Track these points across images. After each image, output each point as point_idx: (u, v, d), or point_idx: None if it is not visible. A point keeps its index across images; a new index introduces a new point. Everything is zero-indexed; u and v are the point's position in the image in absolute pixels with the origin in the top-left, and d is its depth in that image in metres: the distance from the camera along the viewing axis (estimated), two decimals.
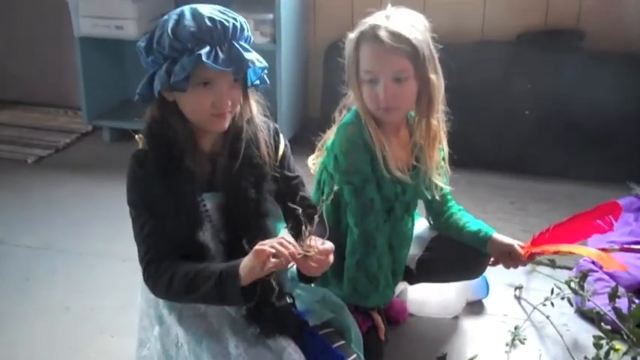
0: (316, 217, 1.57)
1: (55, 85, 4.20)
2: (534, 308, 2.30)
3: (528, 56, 3.30)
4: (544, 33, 3.42)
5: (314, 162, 2.12)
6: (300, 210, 1.59)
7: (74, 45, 3.62)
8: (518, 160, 3.32)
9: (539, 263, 2.48)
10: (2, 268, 2.59)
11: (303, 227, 1.56)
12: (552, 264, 2.43)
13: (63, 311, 2.33)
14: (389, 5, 1.97)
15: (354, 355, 1.75)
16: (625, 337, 2.03)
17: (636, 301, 2.10)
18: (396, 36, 1.87)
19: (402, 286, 2.26)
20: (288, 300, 1.79)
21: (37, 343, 2.18)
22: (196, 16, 1.56)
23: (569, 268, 2.49)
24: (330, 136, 2.06)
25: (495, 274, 2.33)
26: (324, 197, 1.71)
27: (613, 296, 2.10)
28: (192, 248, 1.63)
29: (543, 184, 3.20)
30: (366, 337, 1.87)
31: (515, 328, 2.20)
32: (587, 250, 2.01)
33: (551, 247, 2.00)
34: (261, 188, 1.70)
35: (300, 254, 1.54)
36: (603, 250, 2.01)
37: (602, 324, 2.08)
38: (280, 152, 1.79)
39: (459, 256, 2.13)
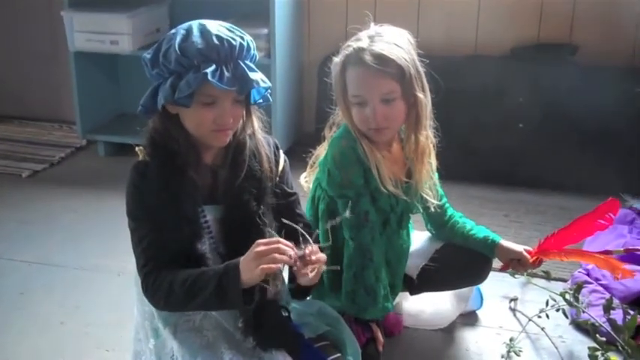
0: (314, 234, 1.59)
1: (50, 100, 4.20)
2: (529, 320, 2.30)
3: (522, 70, 3.32)
4: (537, 47, 3.44)
5: (306, 179, 2.13)
6: (300, 226, 1.59)
7: (69, 60, 3.63)
8: (511, 173, 3.33)
9: (534, 275, 2.49)
10: None
11: (301, 238, 1.57)
12: (547, 276, 2.45)
13: (58, 325, 2.32)
14: (372, 24, 1.98)
15: None
16: (620, 348, 2.03)
17: (631, 312, 2.10)
18: (381, 59, 1.88)
19: (397, 298, 2.27)
20: (284, 313, 1.80)
21: (32, 358, 2.17)
22: (204, 32, 1.57)
23: (564, 280, 2.50)
24: (321, 152, 2.07)
25: (490, 286, 2.34)
26: (334, 221, 1.70)
27: (608, 308, 2.11)
28: (191, 260, 1.63)
29: (537, 197, 3.21)
30: (364, 349, 1.88)
31: (511, 340, 2.20)
32: (594, 258, 2.03)
33: (559, 254, 2.03)
34: (262, 202, 1.71)
35: (297, 256, 1.54)
36: (608, 252, 2.03)
37: (597, 335, 2.09)
38: (280, 168, 1.80)
39: (465, 262, 2.15)
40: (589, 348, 2.07)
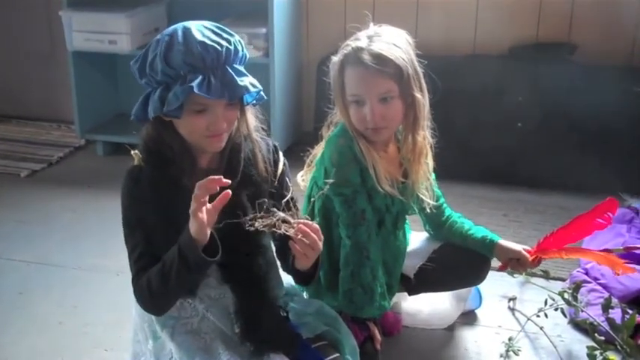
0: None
1: (49, 100, 4.20)
2: (528, 319, 2.30)
3: (520, 69, 3.32)
4: (536, 46, 3.44)
5: (303, 178, 2.13)
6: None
7: (67, 59, 3.63)
8: (510, 173, 3.33)
9: (533, 275, 2.49)
10: None
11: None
12: (546, 275, 2.44)
13: (57, 325, 2.32)
14: (371, 24, 1.98)
15: None
16: (619, 347, 2.03)
17: (630, 311, 2.11)
18: (379, 59, 1.88)
19: (395, 298, 2.27)
20: (282, 314, 1.80)
21: (31, 357, 2.17)
22: (188, 39, 1.53)
23: (563, 280, 2.50)
24: (318, 151, 2.07)
25: (489, 285, 2.34)
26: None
27: (606, 307, 2.11)
28: None
29: (536, 196, 3.21)
30: (362, 348, 1.88)
31: (510, 339, 2.20)
32: (594, 255, 2.04)
33: (558, 252, 2.03)
34: (259, 205, 1.69)
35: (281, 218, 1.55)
36: (607, 251, 2.03)
37: (596, 335, 2.09)
38: (279, 170, 1.78)
39: (462, 263, 2.15)
40: (588, 347, 2.07)
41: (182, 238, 1.53)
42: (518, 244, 2.12)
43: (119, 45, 3.50)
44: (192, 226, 1.50)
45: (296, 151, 2.12)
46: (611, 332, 2.07)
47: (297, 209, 1.65)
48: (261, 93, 1.66)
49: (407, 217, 2.19)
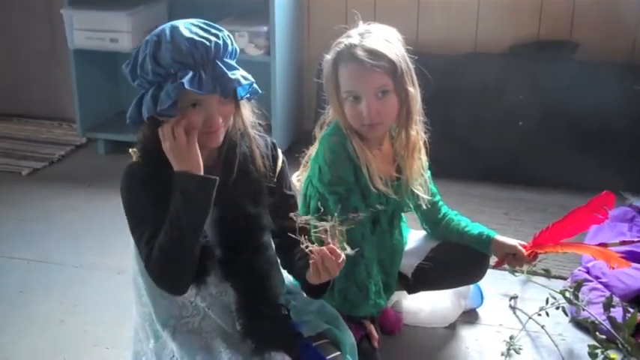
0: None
1: (50, 98, 4.19)
2: (529, 318, 2.30)
3: (521, 68, 3.31)
4: (537, 44, 3.44)
5: (299, 178, 2.13)
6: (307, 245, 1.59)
7: (68, 58, 3.62)
8: (511, 171, 3.32)
9: (534, 273, 2.49)
10: None
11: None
12: (547, 274, 2.44)
13: (57, 324, 2.32)
14: (360, 22, 1.99)
15: None
16: (620, 346, 2.03)
17: (631, 310, 2.11)
18: (374, 54, 1.89)
19: (396, 297, 2.27)
20: (283, 312, 1.80)
21: (31, 356, 2.17)
22: (176, 37, 1.53)
23: (564, 278, 2.50)
24: (313, 151, 2.07)
25: (490, 284, 2.34)
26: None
27: (608, 306, 2.11)
28: None
29: (537, 195, 3.21)
30: (359, 346, 1.88)
31: (511, 337, 2.20)
32: (590, 249, 2.03)
33: (554, 247, 2.03)
34: (259, 202, 1.70)
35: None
36: (604, 245, 2.02)
37: (597, 333, 2.09)
38: (278, 168, 1.78)
39: (460, 261, 2.15)
40: (589, 346, 2.07)
41: (175, 180, 1.55)
42: (514, 240, 2.11)
43: (120, 43, 3.50)
44: (179, 159, 1.55)
45: (297, 150, 2.13)
46: (612, 331, 2.07)
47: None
48: (255, 86, 1.65)
49: (405, 215, 2.19)
